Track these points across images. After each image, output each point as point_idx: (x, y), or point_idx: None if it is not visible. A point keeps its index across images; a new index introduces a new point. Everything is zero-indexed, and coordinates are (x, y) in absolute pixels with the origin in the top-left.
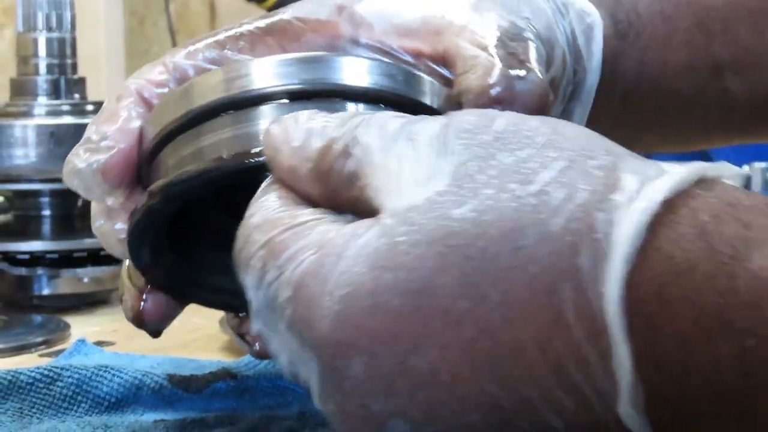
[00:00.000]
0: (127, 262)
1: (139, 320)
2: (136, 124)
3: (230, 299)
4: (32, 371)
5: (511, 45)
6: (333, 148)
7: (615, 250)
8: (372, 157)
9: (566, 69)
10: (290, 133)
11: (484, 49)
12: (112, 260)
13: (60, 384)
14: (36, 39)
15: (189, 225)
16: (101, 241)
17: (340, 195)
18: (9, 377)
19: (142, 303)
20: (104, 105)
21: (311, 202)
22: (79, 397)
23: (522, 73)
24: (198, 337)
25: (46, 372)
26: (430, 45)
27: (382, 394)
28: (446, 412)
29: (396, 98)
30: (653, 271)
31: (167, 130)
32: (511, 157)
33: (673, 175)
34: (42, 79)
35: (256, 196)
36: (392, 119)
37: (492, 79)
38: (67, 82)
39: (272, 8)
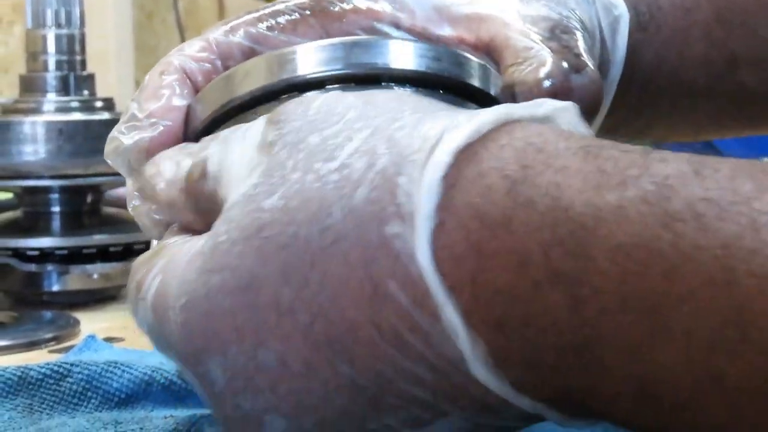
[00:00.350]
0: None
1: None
2: (181, 101)
3: None
4: (42, 367)
5: (563, 37)
6: (193, 172)
7: (417, 211)
8: (220, 170)
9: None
10: (161, 169)
11: (536, 41)
12: (122, 256)
13: (70, 380)
14: (45, 36)
15: None
16: (136, 220)
17: (213, 216)
18: (18, 373)
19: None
20: (146, 81)
21: (195, 231)
22: (89, 393)
23: (579, 65)
24: None
25: (55, 368)
26: (473, 33)
27: (248, 393)
28: (313, 400)
29: (445, 80)
30: (466, 228)
31: (211, 117)
32: (319, 137)
33: (474, 122)
34: (51, 76)
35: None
36: (233, 130)
37: (546, 72)
38: (76, 79)
39: None
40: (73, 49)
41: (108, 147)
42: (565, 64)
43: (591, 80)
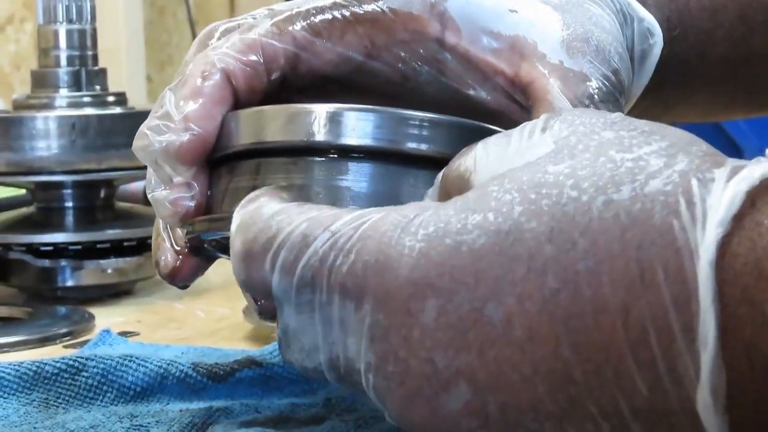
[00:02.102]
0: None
1: (172, 277)
2: (219, 109)
3: None
4: (57, 362)
5: (600, 107)
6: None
7: (710, 214)
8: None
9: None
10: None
11: (573, 103)
12: (135, 251)
13: (85, 374)
14: (57, 31)
15: None
16: (153, 206)
17: None
18: (34, 368)
19: (178, 263)
20: (188, 76)
21: None
22: (105, 387)
23: None
24: (222, 327)
25: (71, 362)
26: (514, 68)
27: (451, 348)
28: (515, 377)
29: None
30: (752, 243)
31: (233, 149)
32: (614, 134)
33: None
34: (63, 71)
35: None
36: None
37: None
38: (87, 74)
39: None
40: (84, 44)
41: (137, 142)
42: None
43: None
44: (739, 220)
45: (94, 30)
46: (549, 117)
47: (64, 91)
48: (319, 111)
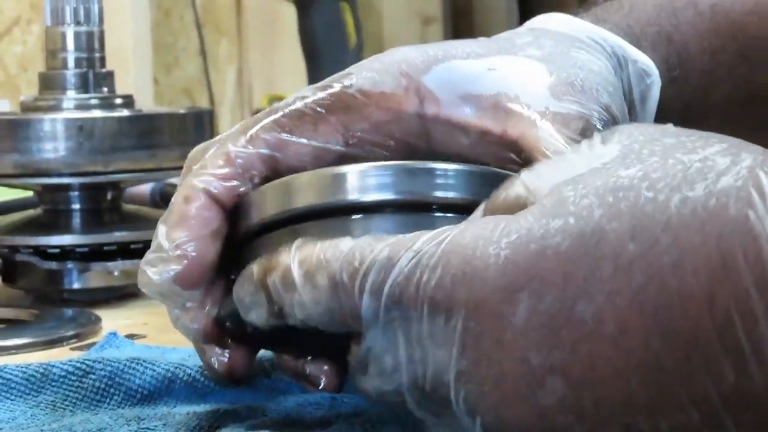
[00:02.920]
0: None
1: (230, 375)
2: (209, 228)
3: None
4: (65, 364)
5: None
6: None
7: None
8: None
9: None
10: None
11: (568, 145)
12: (142, 253)
13: (93, 377)
14: (64, 33)
15: None
16: (181, 332)
17: None
18: (41, 370)
19: (227, 359)
20: (173, 205)
21: None
22: (112, 390)
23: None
24: None
25: (78, 365)
26: (500, 125)
27: (545, 345)
28: (608, 371)
29: None
30: None
31: (262, 222)
32: (675, 140)
33: None
34: (70, 73)
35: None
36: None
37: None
38: (95, 76)
39: (297, 2)
40: (92, 46)
41: (140, 279)
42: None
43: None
44: None
45: (102, 32)
46: (607, 132)
47: (71, 93)
48: (348, 171)
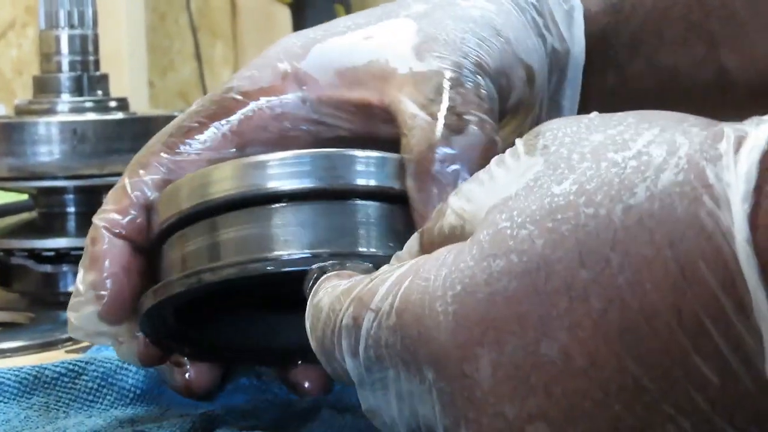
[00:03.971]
0: None
1: (189, 391)
2: (119, 264)
3: (260, 355)
4: (57, 366)
5: (451, 95)
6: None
7: (731, 192)
8: (467, 207)
9: (534, 82)
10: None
11: (423, 106)
12: None
13: (85, 378)
14: (58, 36)
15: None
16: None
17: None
18: (34, 373)
19: (187, 375)
20: (86, 247)
21: None
22: (105, 390)
23: (459, 126)
24: None
25: (70, 366)
26: (377, 96)
27: (517, 396)
28: (588, 404)
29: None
30: None
31: (175, 218)
32: (602, 135)
33: None
34: (65, 77)
35: (314, 290)
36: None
37: (430, 142)
38: (89, 79)
39: (292, 5)
40: (86, 49)
41: (69, 326)
42: (439, 131)
43: (475, 137)
44: (759, 190)
45: (96, 35)
46: (526, 137)
47: (65, 97)
48: (267, 160)
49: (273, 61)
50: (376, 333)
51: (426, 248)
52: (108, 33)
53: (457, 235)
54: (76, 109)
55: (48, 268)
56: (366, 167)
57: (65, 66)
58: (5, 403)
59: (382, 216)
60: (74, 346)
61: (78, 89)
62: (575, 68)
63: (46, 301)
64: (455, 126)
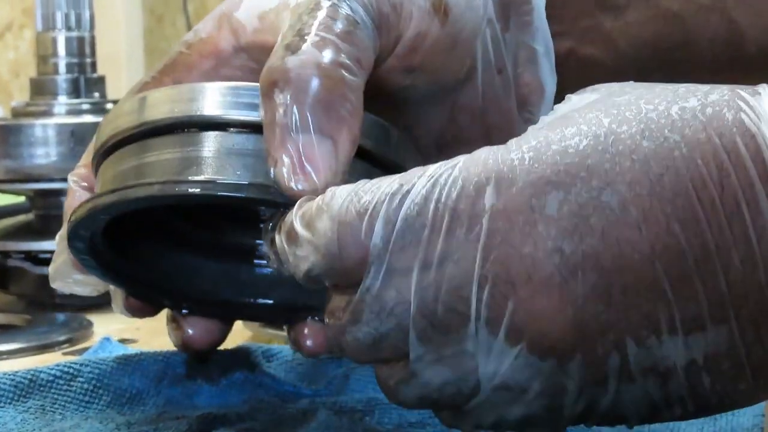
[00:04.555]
0: None
1: (186, 348)
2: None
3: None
4: (52, 369)
5: (302, 18)
6: None
7: (764, 110)
8: None
9: (449, 13)
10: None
11: (283, 34)
12: None
13: (81, 379)
14: (55, 38)
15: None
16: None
17: None
18: (29, 376)
19: (188, 330)
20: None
21: None
22: (100, 391)
23: (295, 46)
24: None
25: (65, 369)
26: None
27: (576, 233)
28: (635, 256)
29: None
30: None
31: (111, 141)
32: (645, 86)
33: None
34: (62, 79)
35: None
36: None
37: (268, 64)
38: (86, 81)
39: None
40: (83, 51)
41: (50, 279)
42: (277, 52)
43: (308, 55)
44: None
45: (93, 37)
46: (573, 95)
47: (62, 99)
48: (209, 87)
49: (216, 12)
50: (429, 190)
51: None
52: (105, 35)
53: None
54: (73, 111)
55: (45, 270)
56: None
57: (62, 68)
58: (1, 406)
59: None
60: (71, 348)
61: (75, 91)
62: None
63: (43, 304)
64: (293, 46)
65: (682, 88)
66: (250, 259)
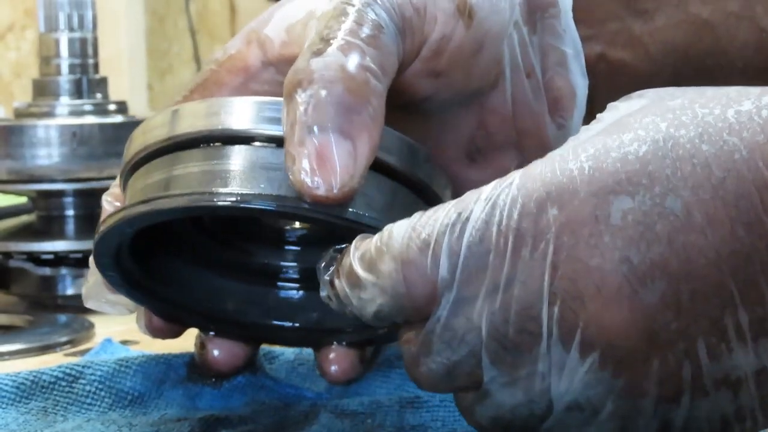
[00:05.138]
0: None
1: (210, 370)
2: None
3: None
4: (54, 370)
5: (328, 23)
6: None
7: None
8: None
9: (474, 16)
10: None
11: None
12: None
13: (83, 381)
14: (58, 39)
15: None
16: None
17: None
18: (31, 377)
19: (213, 351)
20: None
21: None
22: (102, 393)
23: (320, 50)
24: None
25: (68, 370)
26: None
27: (643, 241)
28: (702, 261)
29: None
30: None
31: (141, 155)
32: (694, 89)
33: None
34: (64, 80)
35: (355, 246)
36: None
37: (294, 67)
38: (89, 82)
39: None
40: (85, 52)
41: (83, 298)
42: (303, 55)
43: (332, 57)
44: None
45: (95, 38)
46: (620, 101)
47: (65, 100)
48: (239, 101)
49: (245, 29)
50: (488, 214)
51: None
52: (107, 36)
53: None
54: (76, 112)
55: (47, 271)
56: None
57: (64, 69)
58: (3, 408)
59: None
60: (73, 350)
61: (77, 92)
62: (564, 3)
63: (45, 304)
64: (317, 49)
65: (732, 91)
66: (276, 281)
